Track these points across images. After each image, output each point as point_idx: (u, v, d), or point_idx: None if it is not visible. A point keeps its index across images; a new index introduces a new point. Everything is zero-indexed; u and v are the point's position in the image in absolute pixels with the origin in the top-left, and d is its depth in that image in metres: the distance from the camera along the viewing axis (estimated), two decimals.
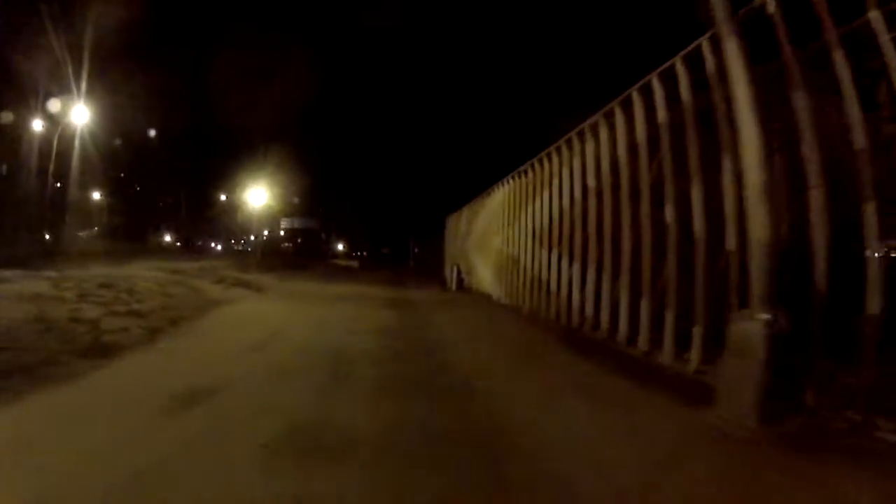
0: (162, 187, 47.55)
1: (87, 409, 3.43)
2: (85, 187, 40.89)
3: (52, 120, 26.93)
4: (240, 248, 54.65)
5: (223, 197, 53.87)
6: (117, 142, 32.67)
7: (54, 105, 25.23)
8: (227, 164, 47.56)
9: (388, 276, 24.59)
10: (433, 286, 18.70)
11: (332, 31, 60.28)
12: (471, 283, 16.09)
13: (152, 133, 37.11)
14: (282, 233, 71.28)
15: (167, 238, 53.77)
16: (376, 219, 59.05)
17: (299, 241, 65.82)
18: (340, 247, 67.20)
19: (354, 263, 34.94)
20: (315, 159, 57.59)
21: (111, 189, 41.80)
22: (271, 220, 60.35)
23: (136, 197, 44.91)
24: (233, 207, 49.68)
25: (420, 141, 59.10)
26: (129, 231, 42.25)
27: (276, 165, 44.96)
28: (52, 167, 27.52)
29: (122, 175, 42.31)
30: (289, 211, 63.13)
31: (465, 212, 18.07)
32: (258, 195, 45.78)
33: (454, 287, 15.56)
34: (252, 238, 55.77)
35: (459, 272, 15.74)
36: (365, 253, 61.53)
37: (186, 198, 51.29)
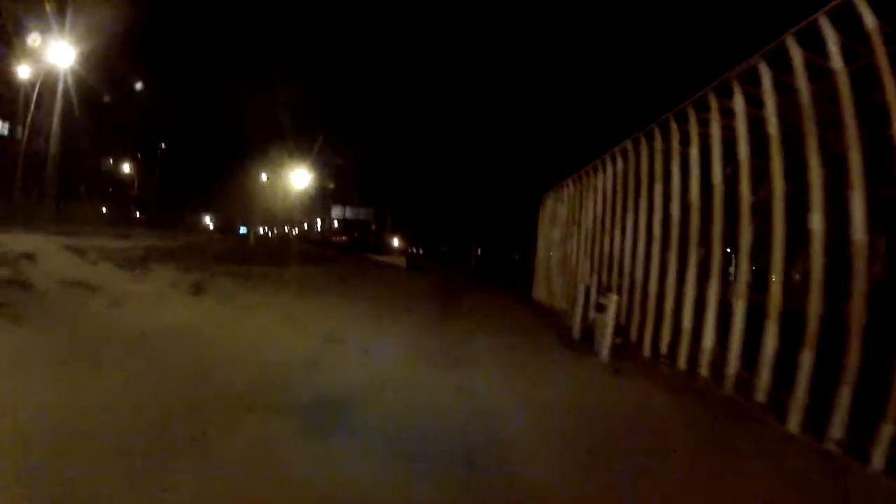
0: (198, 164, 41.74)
1: None
2: (112, 158, 36.65)
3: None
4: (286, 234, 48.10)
5: (264, 177, 47.06)
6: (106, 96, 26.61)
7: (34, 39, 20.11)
8: (271, 145, 40.61)
9: (440, 286, 15.39)
10: (523, 323, 9.17)
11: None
12: (663, 345, 6.42)
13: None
14: (335, 223, 64.81)
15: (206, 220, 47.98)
16: (435, 212, 50.52)
17: (356, 234, 58.18)
18: (396, 242, 59.15)
19: (401, 261, 25.86)
20: (370, 146, 49.46)
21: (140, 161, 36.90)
22: (317, 207, 53.51)
23: (169, 172, 39.36)
24: (274, 191, 42.87)
25: (483, 126, 50.12)
26: (161, 210, 37.59)
27: (325, 149, 37.76)
28: (28, 119, 21.78)
29: (163, 145, 37.29)
30: (338, 198, 55.99)
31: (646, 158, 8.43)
32: (301, 177, 38.53)
33: (605, 348, 5.94)
34: (305, 226, 48.88)
35: (627, 317, 5.98)
36: (421, 250, 52.90)
37: (222, 177, 45.36)
